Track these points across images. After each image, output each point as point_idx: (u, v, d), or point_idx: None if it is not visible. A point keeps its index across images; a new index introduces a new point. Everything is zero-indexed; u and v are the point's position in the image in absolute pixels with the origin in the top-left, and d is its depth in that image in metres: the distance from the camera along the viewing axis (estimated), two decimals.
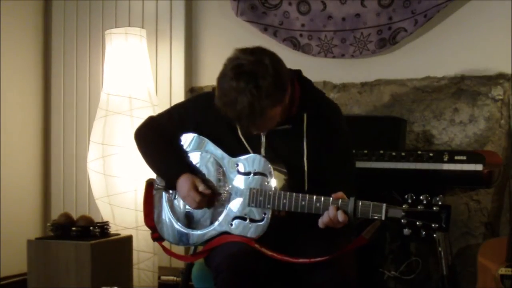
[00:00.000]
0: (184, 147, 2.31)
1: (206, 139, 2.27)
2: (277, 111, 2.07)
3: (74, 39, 4.02)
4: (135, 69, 3.48)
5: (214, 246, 2.17)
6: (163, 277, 3.68)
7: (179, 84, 3.76)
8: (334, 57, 3.42)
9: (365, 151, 2.89)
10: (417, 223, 1.87)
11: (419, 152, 2.83)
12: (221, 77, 2.06)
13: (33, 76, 4.06)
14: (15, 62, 3.91)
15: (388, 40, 3.31)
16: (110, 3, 3.92)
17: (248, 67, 2.01)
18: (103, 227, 3.09)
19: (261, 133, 2.19)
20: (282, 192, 2.07)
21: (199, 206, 2.21)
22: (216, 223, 2.20)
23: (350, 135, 2.26)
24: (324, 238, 2.09)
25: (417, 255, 3.19)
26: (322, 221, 2.01)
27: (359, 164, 2.84)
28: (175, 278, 3.67)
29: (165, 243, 2.38)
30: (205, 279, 2.31)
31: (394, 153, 2.86)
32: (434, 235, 1.88)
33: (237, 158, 2.18)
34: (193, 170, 2.25)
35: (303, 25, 3.47)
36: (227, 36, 3.70)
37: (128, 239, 3.19)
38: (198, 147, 2.29)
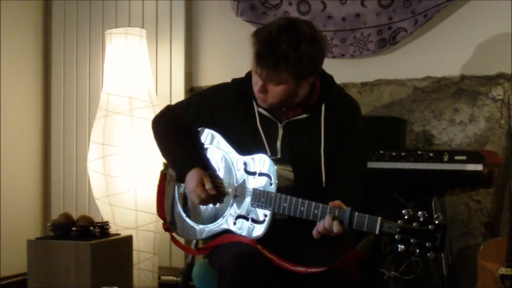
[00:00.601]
0: (197, 141, 2.31)
1: (218, 135, 2.27)
2: (287, 86, 2.07)
3: (74, 39, 4.02)
4: (135, 69, 3.48)
5: (218, 244, 2.17)
6: (163, 277, 3.68)
7: (179, 84, 3.75)
8: (334, 57, 3.42)
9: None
10: (411, 240, 1.84)
11: (419, 152, 2.83)
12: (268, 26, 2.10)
13: (33, 76, 4.06)
14: (15, 62, 3.91)
15: (388, 40, 3.31)
16: (110, 3, 3.92)
17: (301, 29, 2.04)
18: (103, 227, 3.08)
19: (264, 105, 2.17)
20: (283, 195, 2.05)
21: (202, 203, 2.22)
22: (221, 219, 2.21)
23: (365, 134, 2.26)
24: (324, 246, 2.07)
25: (417, 255, 3.19)
26: (317, 230, 1.99)
27: None
28: (175, 278, 3.68)
29: (175, 234, 2.39)
30: (206, 279, 2.31)
31: (394, 153, 2.85)
32: (428, 254, 1.82)
33: (246, 157, 2.18)
34: (204, 165, 2.25)
35: None
36: (227, 36, 3.69)
37: (128, 239, 3.19)
38: (211, 142, 2.29)
